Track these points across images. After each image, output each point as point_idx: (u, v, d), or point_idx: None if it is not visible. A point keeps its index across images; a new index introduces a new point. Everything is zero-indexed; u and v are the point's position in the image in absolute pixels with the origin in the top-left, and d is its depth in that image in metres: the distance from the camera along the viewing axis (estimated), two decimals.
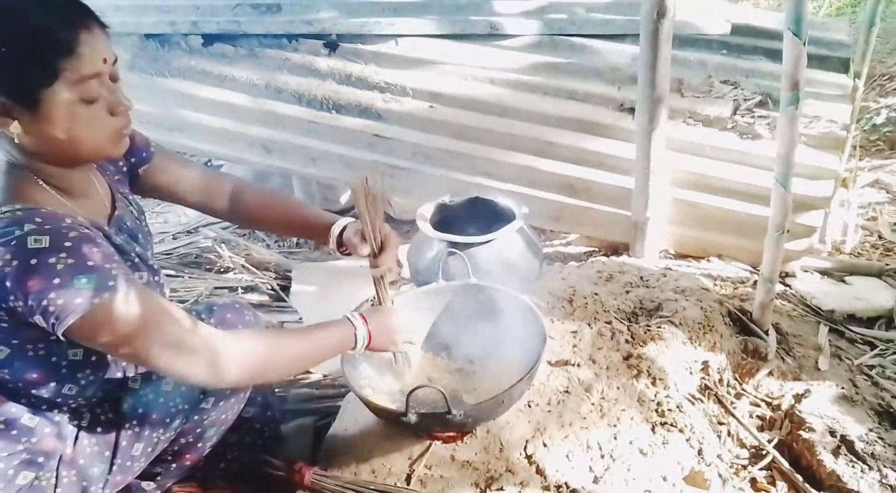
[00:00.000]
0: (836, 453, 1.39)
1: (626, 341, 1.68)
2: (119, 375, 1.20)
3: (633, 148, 2.21)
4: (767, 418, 1.57)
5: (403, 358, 1.50)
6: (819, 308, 2.03)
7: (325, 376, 1.97)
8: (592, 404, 1.49)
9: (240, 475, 1.45)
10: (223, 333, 1.10)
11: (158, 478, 1.30)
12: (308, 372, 1.99)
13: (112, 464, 1.16)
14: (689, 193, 2.30)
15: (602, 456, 1.37)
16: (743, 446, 1.50)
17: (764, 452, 1.46)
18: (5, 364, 1.03)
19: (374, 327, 1.27)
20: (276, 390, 1.76)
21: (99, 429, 1.16)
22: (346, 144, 2.71)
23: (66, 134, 0.97)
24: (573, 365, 1.60)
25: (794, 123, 1.51)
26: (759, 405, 1.60)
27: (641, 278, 2.04)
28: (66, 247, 0.92)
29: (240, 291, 2.61)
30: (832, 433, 1.44)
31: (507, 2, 2.86)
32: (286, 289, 2.59)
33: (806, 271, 2.26)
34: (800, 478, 1.39)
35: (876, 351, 1.85)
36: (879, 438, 1.43)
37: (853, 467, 1.36)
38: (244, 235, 3.05)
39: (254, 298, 2.56)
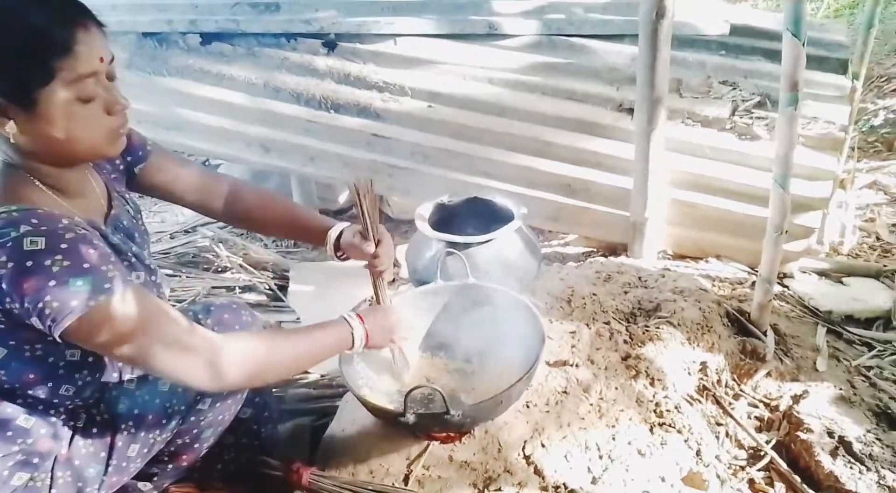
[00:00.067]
0: (834, 454, 1.39)
1: (625, 342, 1.68)
2: (115, 375, 1.20)
3: (632, 148, 2.21)
4: (765, 418, 1.57)
5: (401, 358, 1.50)
6: (817, 309, 2.03)
7: (322, 376, 1.97)
8: (591, 404, 1.49)
9: (237, 476, 1.44)
10: (221, 335, 1.09)
11: (155, 479, 1.29)
12: (306, 372, 1.98)
13: (108, 465, 1.15)
14: (687, 194, 2.30)
15: (600, 457, 1.37)
16: (741, 446, 1.50)
17: (762, 453, 1.46)
18: (2, 365, 1.02)
19: (371, 327, 1.27)
20: (274, 390, 1.75)
21: (95, 430, 1.15)
22: (345, 143, 2.70)
23: (63, 133, 0.96)
24: (571, 365, 1.60)
25: (793, 124, 1.51)
26: (757, 406, 1.60)
27: (640, 278, 2.04)
28: (62, 249, 0.91)
29: (237, 290, 2.61)
30: (830, 434, 1.43)
31: (505, 2, 2.86)
32: (284, 289, 2.58)
33: (804, 271, 2.26)
34: (798, 479, 1.39)
35: (874, 352, 1.85)
36: (877, 439, 1.43)
37: (851, 468, 1.36)
38: (242, 234, 3.04)
39: (251, 297, 2.56)
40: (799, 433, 1.46)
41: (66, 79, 0.93)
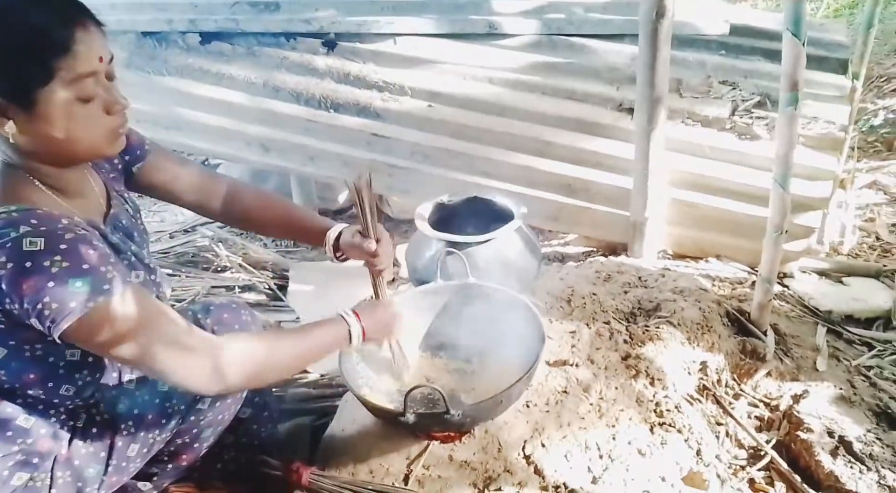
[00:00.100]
0: (834, 453, 1.39)
1: (625, 342, 1.68)
2: (115, 375, 1.19)
3: (632, 148, 2.21)
4: (766, 418, 1.57)
5: (401, 357, 1.50)
6: (817, 309, 2.03)
7: (322, 375, 1.96)
8: (591, 404, 1.49)
9: (237, 476, 1.44)
10: (219, 337, 1.09)
11: (155, 478, 1.29)
12: (305, 372, 1.98)
13: (107, 465, 1.15)
14: (687, 194, 2.30)
15: (601, 456, 1.37)
16: (741, 446, 1.50)
17: (762, 452, 1.46)
18: (2, 365, 1.02)
19: (368, 322, 1.26)
20: (274, 390, 1.75)
21: (94, 430, 1.15)
22: (345, 143, 2.70)
23: (63, 133, 0.96)
24: (571, 365, 1.60)
25: (793, 124, 1.51)
26: (757, 406, 1.60)
27: (640, 278, 2.04)
28: (61, 249, 0.91)
29: (237, 290, 2.61)
30: (830, 434, 1.44)
31: (505, 1, 2.86)
32: (283, 288, 2.58)
33: (804, 271, 2.26)
34: (798, 479, 1.39)
35: (874, 352, 1.85)
36: (877, 438, 1.43)
37: (851, 467, 1.36)
38: (241, 234, 3.04)
39: (251, 297, 2.56)
40: (799, 433, 1.46)
41: (66, 78, 0.93)
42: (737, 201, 2.23)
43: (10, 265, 0.89)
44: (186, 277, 2.68)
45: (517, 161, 2.47)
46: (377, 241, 1.31)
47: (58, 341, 0.94)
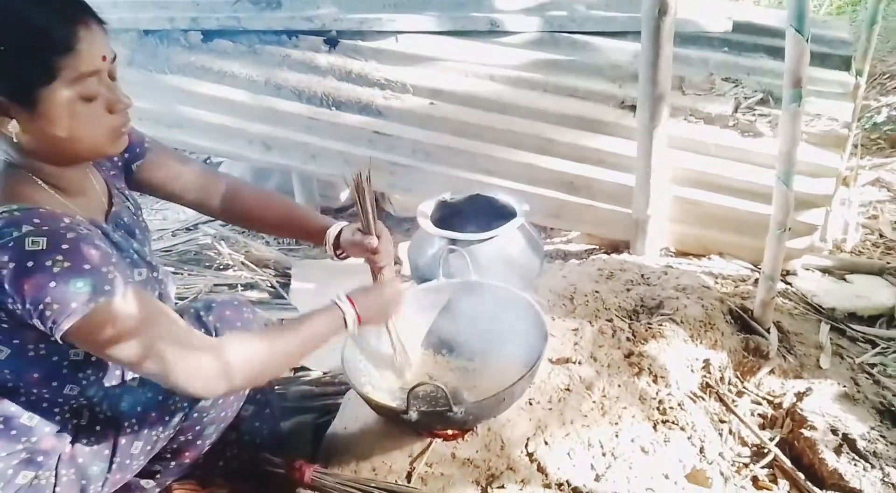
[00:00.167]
0: (837, 451, 1.39)
1: (628, 339, 1.68)
2: (118, 373, 1.19)
3: (634, 145, 2.21)
4: (769, 416, 1.57)
5: (404, 355, 1.50)
6: (820, 306, 2.03)
7: (325, 373, 1.96)
8: (594, 402, 1.49)
9: (239, 473, 1.44)
10: (219, 338, 1.09)
11: (158, 476, 1.29)
12: (307, 369, 1.98)
13: (111, 462, 1.15)
14: (690, 191, 2.29)
15: (603, 454, 1.37)
16: (744, 444, 1.49)
17: (765, 450, 1.46)
18: (6, 364, 1.02)
19: (362, 307, 1.25)
20: (276, 387, 1.75)
21: (98, 427, 1.15)
22: (346, 140, 2.70)
23: (65, 132, 0.96)
24: (574, 363, 1.59)
25: (797, 121, 1.50)
26: (760, 403, 1.60)
27: (642, 275, 2.03)
28: (63, 249, 0.91)
29: (239, 288, 2.61)
30: (834, 432, 1.43)
31: None
32: (286, 286, 2.58)
33: (807, 269, 2.26)
34: (801, 476, 1.39)
35: (877, 349, 1.85)
36: (881, 436, 1.43)
37: (855, 465, 1.36)
38: (243, 232, 3.04)
39: (253, 295, 2.56)
40: (802, 431, 1.46)
41: (69, 78, 0.92)
42: (740, 199, 2.23)
43: (12, 265, 0.89)
44: (189, 275, 2.69)
45: (519, 159, 2.47)
46: (378, 238, 1.31)
47: (59, 341, 0.94)
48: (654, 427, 1.44)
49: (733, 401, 1.59)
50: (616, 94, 2.49)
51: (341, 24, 2.83)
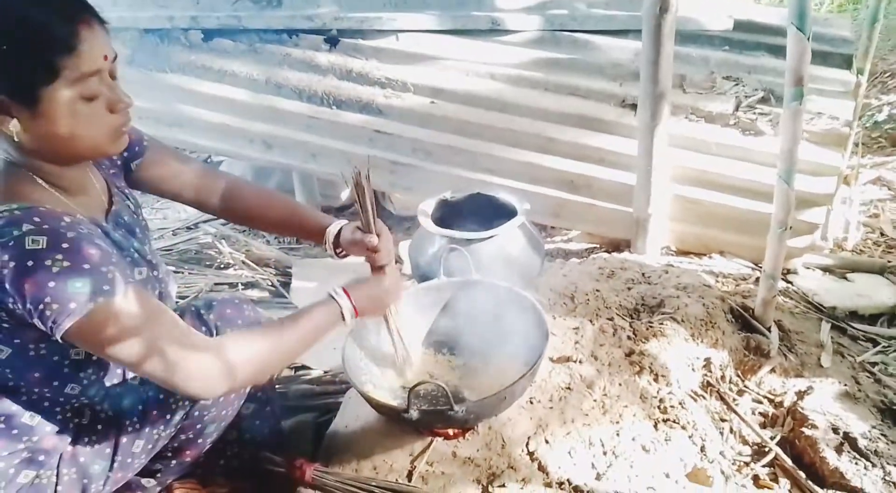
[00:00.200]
0: (839, 450, 1.39)
1: (628, 338, 1.68)
2: (119, 372, 1.19)
3: (635, 144, 2.20)
4: (770, 415, 1.57)
5: (405, 353, 1.50)
6: (821, 305, 2.03)
7: (325, 372, 1.96)
8: (594, 400, 1.49)
9: (240, 472, 1.44)
10: (218, 337, 1.09)
11: (158, 475, 1.29)
12: (308, 368, 1.98)
13: (113, 461, 1.15)
14: (690, 190, 2.29)
15: (604, 453, 1.37)
16: (745, 443, 1.49)
17: (766, 449, 1.46)
18: (7, 364, 1.02)
19: (358, 299, 1.24)
20: (277, 386, 1.75)
21: (99, 426, 1.15)
22: (347, 139, 2.70)
23: (66, 132, 0.96)
24: (575, 362, 1.59)
25: (798, 119, 1.50)
26: (761, 402, 1.60)
27: (643, 274, 2.03)
28: (63, 248, 0.91)
29: (240, 287, 2.61)
30: (835, 430, 1.43)
31: None
32: (286, 285, 2.58)
33: (808, 267, 2.26)
34: (802, 475, 1.39)
35: (878, 348, 1.85)
36: (882, 435, 1.43)
37: (856, 464, 1.36)
38: (244, 231, 3.04)
39: (254, 294, 2.56)
40: (803, 429, 1.45)
41: (70, 77, 0.92)
42: (741, 197, 2.22)
43: (12, 264, 0.89)
44: (189, 274, 2.69)
45: (520, 158, 2.47)
46: (377, 236, 1.31)
47: (60, 341, 0.94)
48: (655, 426, 1.44)
49: (734, 400, 1.59)
50: (617, 92, 2.49)
51: (342, 22, 2.82)
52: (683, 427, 1.44)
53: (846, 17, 3.74)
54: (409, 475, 1.34)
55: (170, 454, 1.25)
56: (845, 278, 2.20)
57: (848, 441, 1.40)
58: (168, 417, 1.17)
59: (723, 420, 1.53)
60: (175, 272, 2.67)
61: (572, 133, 2.44)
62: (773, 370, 1.67)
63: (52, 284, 0.89)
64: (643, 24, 1.99)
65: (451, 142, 2.56)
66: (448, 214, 2.13)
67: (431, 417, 1.32)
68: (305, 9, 2.90)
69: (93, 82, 0.95)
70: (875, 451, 1.38)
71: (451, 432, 1.41)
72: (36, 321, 0.92)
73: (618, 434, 1.40)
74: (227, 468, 1.43)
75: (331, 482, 1.31)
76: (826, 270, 2.25)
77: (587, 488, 1.29)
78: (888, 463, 1.35)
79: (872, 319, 2.01)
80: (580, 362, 1.59)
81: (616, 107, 2.46)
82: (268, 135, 2.80)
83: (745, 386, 1.64)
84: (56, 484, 1.10)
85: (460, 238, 1.90)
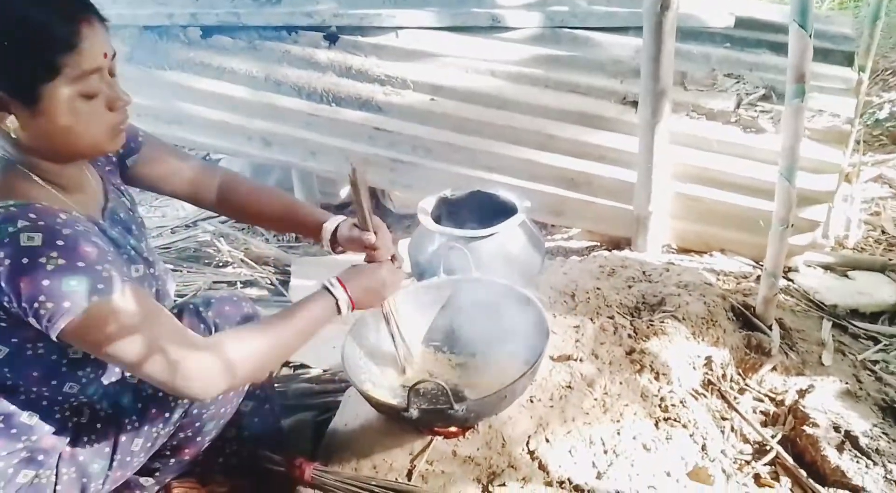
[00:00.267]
0: (840, 448, 1.39)
1: (629, 336, 1.67)
2: (118, 370, 1.19)
3: (636, 141, 2.20)
4: (771, 413, 1.56)
5: (405, 349, 1.49)
6: (822, 303, 2.02)
7: (325, 370, 1.96)
8: (595, 399, 1.48)
9: (239, 470, 1.44)
10: (216, 335, 1.08)
11: (157, 474, 1.29)
12: (307, 367, 1.98)
13: (112, 460, 1.15)
14: (691, 187, 2.29)
15: (605, 452, 1.36)
16: (746, 441, 1.49)
17: (768, 447, 1.45)
18: (5, 363, 1.01)
19: (354, 290, 1.22)
20: (276, 385, 1.75)
21: (98, 425, 1.14)
22: (347, 137, 2.69)
23: (65, 129, 0.95)
24: (575, 360, 1.59)
25: (800, 116, 1.49)
26: (762, 401, 1.60)
27: (644, 272, 2.03)
28: (58, 245, 0.90)
29: (239, 285, 2.61)
30: (836, 429, 1.43)
31: None
32: (285, 284, 2.58)
33: (809, 265, 2.25)
34: (804, 473, 1.38)
35: (879, 346, 1.84)
36: (884, 433, 1.42)
37: (858, 462, 1.35)
38: (243, 229, 3.04)
39: (253, 292, 2.55)
40: (805, 428, 1.45)
41: (71, 75, 0.92)
42: (742, 195, 2.22)
43: (7, 262, 0.88)
44: (188, 272, 2.68)
45: (520, 155, 2.46)
46: (375, 234, 1.30)
47: (56, 340, 0.93)
48: (656, 425, 1.44)
49: (735, 398, 1.58)
50: (618, 89, 2.48)
51: (341, 19, 2.82)
52: (684, 426, 1.43)
53: (847, 14, 3.73)
54: (409, 474, 1.34)
55: (168, 453, 1.25)
56: (846, 276, 2.19)
57: (849, 440, 1.40)
58: (167, 415, 1.17)
59: (724, 419, 1.52)
60: (174, 270, 2.67)
61: (573, 130, 2.43)
62: (774, 369, 1.67)
63: (46, 282, 0.88)
64: (644, 21, 1.99)
65: (450, 139, 2.55)
66: (448, 212, 2.12)
67: (431, 415, 1.31)
68: (305, 5, 2.89)
69: (93, 80, 0.95)
70: (876, 449, 1.37)
71: (451, 430, 1.40)
72: (31, 320, 0.91)
73: (618, 433, 1.40)
74: (226, 467, 1.43)
75: (330, 480, 1.30)
76: (827, 268, 2.25)
77: (588, 487, 1.28)
78: (889, 462, 1.34)
79: (873, 317, 2.01)
80: (581, 360, 1.59)
81: (617, 104, 2.45)
82: (267, 132, 2.80)
83: (746, 385, 1.64)
84: (55, 484, 1.10)
85: (460, 236, 1.89)
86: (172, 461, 1.27)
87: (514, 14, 2.73)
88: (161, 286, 1.20)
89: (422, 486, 1.30)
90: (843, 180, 2.41)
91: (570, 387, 1.51)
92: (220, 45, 2.92)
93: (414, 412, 1.24)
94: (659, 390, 1.51)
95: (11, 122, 0.93)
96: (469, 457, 1.36)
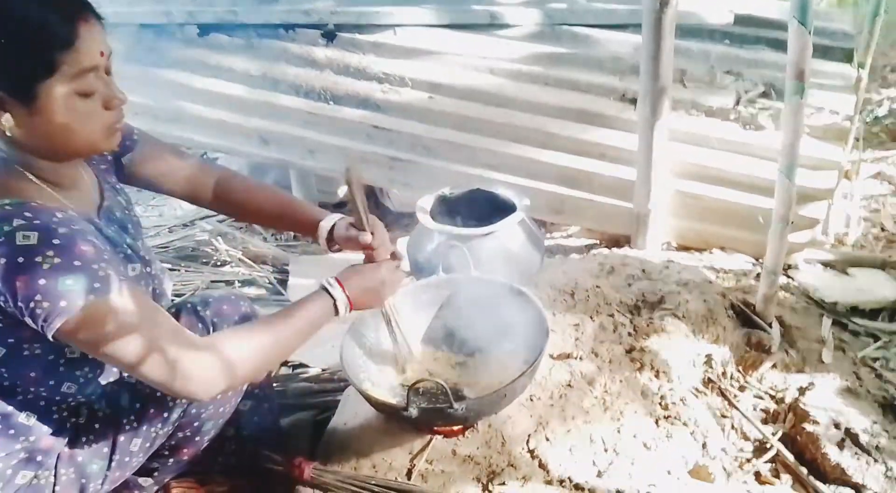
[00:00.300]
0: (840, 445, 1.38)
1: (629, 334, 1.67)
2: (116, 370, 1.18)
3: (636, 139, 2.19)
4: (771, 411, 1.56)
5: (405, 347, 1.49)
6: (822, 300, 2.02)
7: (324, 369, 1.95)
8: (595, 397, 1.48)
9: (238, 470, 1.43)
10: (214, 335, 1.07)
11: (156, 474, 1.28)
12: (306, 366, 1.97)
13: (111, 460, 1.14)
14: (691, 185, 2.28)
15: (605, 450, 1.36)
16: (747, 439, 1.49)
17: (768, 445, 1.45)
18: (2, 363, 1.01)
19: (353, 290, 1.21)
20: (275, 384, 1.74)
21: (97, 425, 1.14)
22: (345, 135, 2.68)
23: (61, 128, 0.95)
24: (575, 358, 1.59)
25: (799, 113, 1.49)
26: (762, 398, 1.60)
27: (643, 270, 2.02)
28: (54, 244, 0.89)
29: (237, 284, 2.60)
30: (836, 426, 1.43)
31: None
32: (284, 283, 2.57)
33: (809, 263, 2.25)
34: (804, 471, 1.38)
35: (879, 343, 1.84)
36: (884, 430, 1.43)
37: (858, 459, 1.35)
38: (241, 228, 3.03)
39: (251, 291, 2.55)
40: (805, 425, 1.45)
41: (68, 73, 0.92)
42: (741, 192, 2.21)
43: (3, 261, 0.88)
44: (186, 271, 2.68)
45: (519, 153, 2.45)
46: (372, 233, 1.29)
47: (52, 340, 0.92)
48: (656, 423, 1.44)
49: (735, 396, 1.58)
50: (617, 87, 2.47)
51: (339, 17, 2.81)
52: (685, 424, 1.43)
53: (847, 11, 3.73)
54: (409, 474, 1.33)
55: (167, 453, 1.24)
56: (846, 274, 2.19)
57: (849, 437, 1.40)
58: (165, 414, 1.16)
59: (724, 417, 1.52)
60: (171, 270, 2.66)
61: (572, 128, 2.43)
62: (774, 366, 1.67)
63: (42, 281, 0.88)
64: (643, 19, 1.98)
65: (449, 137, 2.54)
66: (447, 211, 2.11)
67: (431, 415, 1.31)
68: (302, 3, 2.89)
69: (89, 78, 0.94)
70: (877, 446, 1.37)
71: (451, 429, 1.40)
72: (27, 320, 0.91)
73: (619, 431, 1.39)
74: (225, 466, 1.42)
75: (329, 480, 1.30)
76: (827, 265, 2.24)
77: (588, 485, 1.28)
78: (890, 458, 1.34)
79: (873, 314, 2.00)
80: (580, 358, 1.58)
81: (616, 102, 2.45)
82: (265, 131, 2.79)
83: (746, 382, 1.64)
84: (54, 484, 1.10)
85: (459, 234, 1.89)
86: (171, 460, 1.27)
87: (513, 11, 2.73)
88: (158, 285, 1.19)
89: (421, 485, 1.30)
90: (843, 177, 2.41)
91: (569, 386, 1.51)
92: (217, 44, 2.92)
93: (413, 411, 1.24)
94: (659, 389, 1.51)
95: (7, 120, 0.93)
96: (469, 456, 1.35)
